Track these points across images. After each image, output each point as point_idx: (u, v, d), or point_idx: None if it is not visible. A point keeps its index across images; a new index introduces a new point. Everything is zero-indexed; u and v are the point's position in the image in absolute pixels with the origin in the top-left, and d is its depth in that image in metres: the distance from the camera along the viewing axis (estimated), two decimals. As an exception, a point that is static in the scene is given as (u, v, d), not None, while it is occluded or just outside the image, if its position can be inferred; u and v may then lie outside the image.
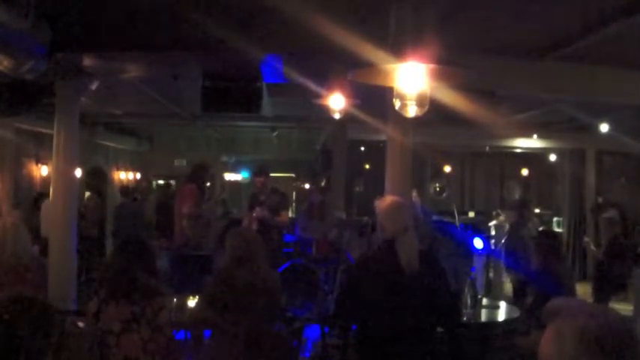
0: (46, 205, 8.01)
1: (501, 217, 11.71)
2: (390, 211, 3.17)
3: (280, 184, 9.41)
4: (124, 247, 3.35)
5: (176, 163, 14.67)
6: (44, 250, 5.92)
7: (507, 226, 11.65)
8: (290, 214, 11.18)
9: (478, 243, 7.45)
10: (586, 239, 9.68)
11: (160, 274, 3.56)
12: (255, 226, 7.19)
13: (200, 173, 7.34)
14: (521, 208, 7.91)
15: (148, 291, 3.07)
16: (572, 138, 11.68)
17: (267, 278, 3.72)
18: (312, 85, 5.78)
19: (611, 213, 10.40)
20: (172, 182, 12.84)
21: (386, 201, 3.29)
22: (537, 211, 13.28)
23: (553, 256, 4.74)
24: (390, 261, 3.01)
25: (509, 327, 4.61)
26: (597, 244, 8.06)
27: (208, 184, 7.58)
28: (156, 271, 3.34)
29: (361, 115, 7.07)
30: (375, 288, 3.04)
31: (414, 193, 7.02)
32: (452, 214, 9.09)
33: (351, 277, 3.47)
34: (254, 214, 7.43)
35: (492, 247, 9.10)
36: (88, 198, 9.54)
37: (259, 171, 7.82)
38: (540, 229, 7.90)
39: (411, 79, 3.11)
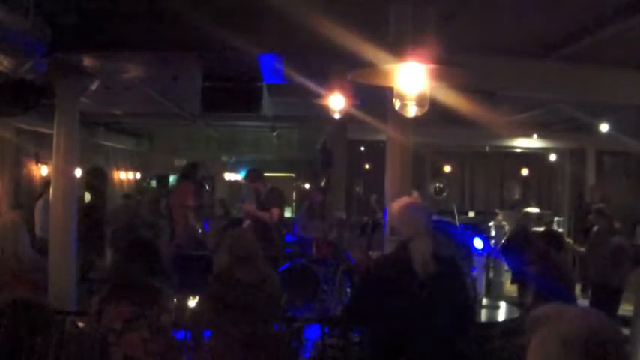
0: (39, 205, 8.03)
1: (499, 217, 11.72)
2: (404, 213, 3.10)
3: (280, 184, 9.39)
4: (128, 248, 3.35)
5: (176, 163, 14.63)
6: (40, 250, 5.91)
7: (507, 226, 11.69)
8: (289, 214, 11.17)
9: (478, 243, 7.44)
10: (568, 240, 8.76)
11: (166, 275, 3.55)
12: (246, 224, 7.23)
13: (193, 171, 8.22)
14: (599, 215, 6.63)
15: (150, 292, 3.06)
16: (572, 138, 11.68)
17: (267, 278, 3.71)
18: (312, 85, 5.78)
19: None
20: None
21: (400, 202, 3.19)
22: (537, 211, 13.29)
23: (555, 256, 4.71)
24: (404, 264, 2.94)
25: (509, 327, 4.61)
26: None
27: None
28: (162, 272, 3.33)
29: (361, 115, 7.08)
30: (388, 291, 2.96)
31: (415, 193, 7.00)
32: (452, 214, 9.07)
33: (365, 280, 3.39)
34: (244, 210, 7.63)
35: (492, 247, 9.07)
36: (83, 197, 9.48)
37: (250, 176, 7.61)
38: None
39: (411, 79, 3.11)
